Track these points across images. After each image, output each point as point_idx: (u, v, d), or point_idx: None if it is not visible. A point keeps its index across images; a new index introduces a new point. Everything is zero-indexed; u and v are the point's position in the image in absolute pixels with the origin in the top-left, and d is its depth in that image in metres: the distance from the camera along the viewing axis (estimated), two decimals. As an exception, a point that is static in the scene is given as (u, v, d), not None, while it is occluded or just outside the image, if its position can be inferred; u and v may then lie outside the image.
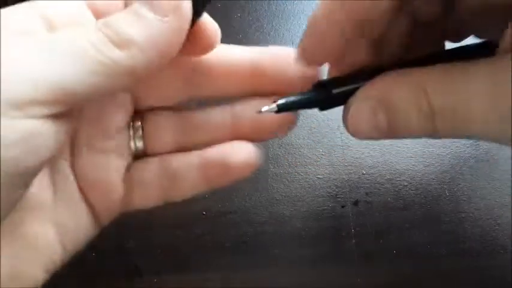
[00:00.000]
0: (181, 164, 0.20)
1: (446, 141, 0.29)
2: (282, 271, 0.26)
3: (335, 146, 0.29)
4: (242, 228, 0.27)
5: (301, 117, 0.29)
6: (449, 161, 0.29)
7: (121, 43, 0.15)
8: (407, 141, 0.29)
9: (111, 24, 0.16)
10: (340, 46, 0.18)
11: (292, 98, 0.18)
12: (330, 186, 0.28)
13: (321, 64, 0.19)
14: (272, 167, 0.28)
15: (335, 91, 0.18)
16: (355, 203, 0.28)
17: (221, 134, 0.20)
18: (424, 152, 0.29)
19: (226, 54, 0.19)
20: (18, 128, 0.14)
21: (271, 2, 0.33)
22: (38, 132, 0.15)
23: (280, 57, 0.19)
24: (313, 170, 0.28)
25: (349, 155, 0.29)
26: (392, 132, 0.17)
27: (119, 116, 0.20)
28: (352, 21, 0.17)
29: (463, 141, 0.29)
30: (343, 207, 0.27)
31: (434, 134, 0.16)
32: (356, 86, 0.18)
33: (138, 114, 0.20)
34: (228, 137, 0.20)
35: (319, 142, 0.29)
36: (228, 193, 0.27)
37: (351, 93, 0.18)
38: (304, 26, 0.32)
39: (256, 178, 0.28)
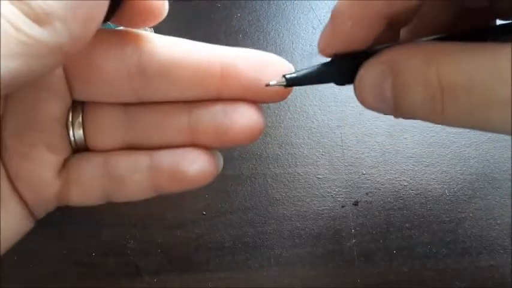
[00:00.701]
0: (127, 165, 0.18)
1: (446, 141, 0.29)
2: (282, 271, 0.26)
3: (335, 146, 0.29)
4: (242, 228, 0.27)
5: (301, 117, 0.29)
6: (449, 161, 0.29)
7: (41, 18, 0.13)
8: (408, 141, 0.29)
9: None
10: (367, 39, 0.16)
11: (302, 71, 0.18)
12: (329, 186, 0.28)
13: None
14: (272, 167, 0.28)
15: (347, 64, 0.17)
16: (355, 203, 0.28)
17: (177, 137, 0.18)
18: (424, 152, 0.29)
19: (191, 53, 0.17)
20: None
21: (271, 2, 0.33)
22: None
23: (257, 61, 0.17)
24: (313, 170, 0.28)
25: (349, 155, 0.29)
26: (397, 105, 0.16)
27: (52, 106, 0.18)
28: (382, 17, 0.16)
29: (463, 141, 0.29)
30: (343, 207, 0.27)
31: (439, 117, 0.15)
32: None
33: (79, 106, 0.18)
34: (184, 140, 0.18)
35: (319, 142, 0.29)
36: (228, 193, 0.27)
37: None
38: (304, 26, 0.32)
39: (256, 178, 0.28)
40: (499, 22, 0.19)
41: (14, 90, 0.14)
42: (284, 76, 0.17)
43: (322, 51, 0.18)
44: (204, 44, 0.18)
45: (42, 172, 0.18)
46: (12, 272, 0.25)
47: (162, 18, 0.17)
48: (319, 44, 0.18)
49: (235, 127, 0.18)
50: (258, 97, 0.18)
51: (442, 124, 0.16)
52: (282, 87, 0.17)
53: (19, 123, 0.17)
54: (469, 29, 0.18)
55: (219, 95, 0.18)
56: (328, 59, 0.18)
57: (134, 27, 0.17)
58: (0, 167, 0.17)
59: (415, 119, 0.17)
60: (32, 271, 0.25)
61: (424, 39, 0.17)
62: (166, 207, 0.27)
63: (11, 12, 0.13)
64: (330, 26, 0.17)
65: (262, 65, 0.17)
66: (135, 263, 0.25)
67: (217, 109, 0.18)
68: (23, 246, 0.25)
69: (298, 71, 0.17)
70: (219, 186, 0.27)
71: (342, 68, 0.18)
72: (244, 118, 0.18)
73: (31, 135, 0.18)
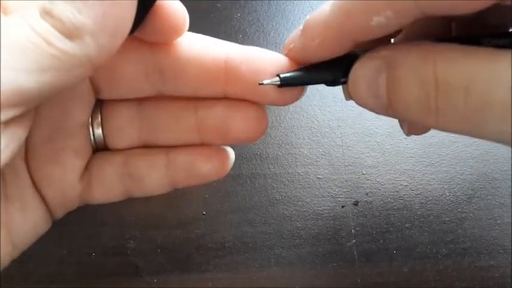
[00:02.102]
0: (146, 164, 0.19)
1: (446, 141, 0.29)
2: (282, 271, 0.26)
3: (335, 146, 0.29)
4: (242, 228, 0.27)
5: (301, 117, 0.29)
6: (449, 161, 0.29)
7: (72, 33, 0.14)
8: (408, 141, 0.29)
9: (54, 12, 0.14)
10: (333, 55, 0.16)
11: (296, 72, 0.17)
12: (329, 186, 0.28)
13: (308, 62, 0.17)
14: (272, 167, 0.28)
15: (341, 66, 0.17)
16: (355, 203, 0.28)
17: (187, 135, 0.19)
18: (424, 152, 0.29)
19: (201, 50, 0.18)
20: None
21: (271, 2, 0.33)
22: None
23: (257, 60, 0.17)
24: (313, 170, 0.28)
25: (349, 155, 0.29)
26: (390, 102, 0.15)
27: (80, 111, 0.18)
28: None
29: (463, 141, 0.29)
30: (343, 207, 0.27)
31: (432, 117, 0.14)
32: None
33: (97, 107, 0.19)
34: (194, 138, 0.19)
35: (319, 142, 0.29)
36: (228, 193, 0.27)
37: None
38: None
39: (256, 178, 0.28)
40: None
41: (44, 101, 0.15)
42: (278, 75, 0.17)
43: (285, 54, 0.18)
44: (211, 41, 0.18)
45: (69, 176, 0.18)
46: (12, 272, 0.25)
47: (183, 34, 0.18)
48: (284, 46, 0.18)
49: (236, 126, 0.18)
50: (261, 98, 0.18)
51: (434, 127, 0.15)
52: (276, 87, 0.17)
53: (50, 130, 0.18)
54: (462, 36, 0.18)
55: (225, 94, 0.18)
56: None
57: (156, 41, 0.18)
58: (24, 169, 0.18)
59: (407, 119, 0.16)
60: (32, 271, 0.25)
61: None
62: (166, 207, 0.27)
63: (43, 27, 0.13)
64: (300, 35, 0.17)
65: (264, 67, 0.17)
66: (135, 263, 0.25)
67: (220, 108, 0.18)
68: (23, 246, 0.25)
69: (293, 71, 0.17)
70: (219, 186, 0.27)
71: (335, 69, 0.18)
72: (245, 118, 0.18)
73: (61, 141, 0.18)
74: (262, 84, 0.17)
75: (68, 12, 0.14)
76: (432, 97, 0.14)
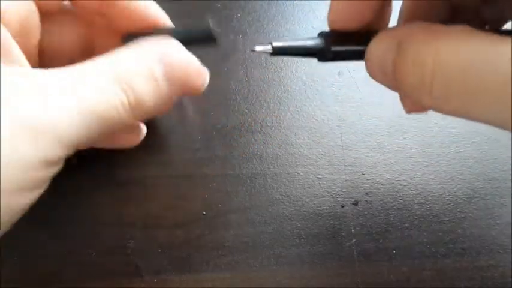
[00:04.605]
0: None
1: (446, 141, 0.29)
2: (282, 271, 0.26)
3: (335, 146, 0.29)
4: (242, 228, 0.27)
5: (301, 117, 0.29)
6: (449, 161, 0.29)
7: (136, 108, 0.17)
8: (408, 141, 0.29)
9: (133, 86, 0.17)
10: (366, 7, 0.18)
11: (288, 42, 0.18)
12: (329, 186, 0.28)
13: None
14: (272, 167, 0.28)
15: (333, 45, 0.18)
16: (355, 203, 0.28)
17: None
18: (424, 152, 0.29)
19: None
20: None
21: (271, 2, 0.33)
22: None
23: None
24: (313, 170, 0.28)
25: (349, 155, 0.29)
26: (397, 82, 0.16)
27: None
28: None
29: (463, 141, 0.29)
30: (343, 207, 0.27)
31: (431, 99, 0.15)
32: (356, 45, 0.18)
33: None
34: None
35: (319, 142, 0.29)
36: (228, 193, 0.27)
37: (349, 48, 0.18)
38: (304, 26, 0.32)
39: (256, 178, 0.28)
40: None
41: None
42: (271, 43, 0.18)
43: (330, 24, 0.19)
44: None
45: None
46: (12, 272, 0.25)
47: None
48: (328, 19, 0.19)
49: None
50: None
51: (431, 107, 0.16)
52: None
53: None
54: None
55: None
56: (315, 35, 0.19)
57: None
58: None
59: (410, 97, 0.17)
60: (32, 271, 0.25)
61: None
62: (166, 207, 0.27)
63: (120, 101, 0.17)
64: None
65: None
66: (135, 263, 0.26)
67: None
68: (23, 246, 0.25)
69: (285, 41, 0.18)
70: (219, 186, 0.27)
71: (328, 44, 0.18)
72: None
73: None
74: (254, 51, 0.18)
75: (141, 88, 0.17)
76: (429, 76, 0.14)
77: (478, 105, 0.14)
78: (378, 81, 0.18)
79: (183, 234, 0.26)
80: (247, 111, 0.29)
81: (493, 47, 0.13)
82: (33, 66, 0.20)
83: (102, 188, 0.27)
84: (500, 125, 0.14)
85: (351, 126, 0.29)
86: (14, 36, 0.17)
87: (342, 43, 0.18)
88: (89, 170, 0.27)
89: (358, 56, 0.18)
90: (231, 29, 0.32)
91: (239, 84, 0.30)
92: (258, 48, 0.18)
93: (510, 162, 0.29)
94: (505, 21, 0.19)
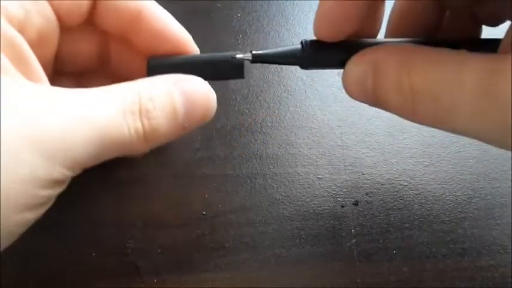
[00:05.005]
0: None
1: (446, 141, 0.29)
2: (282, 271, 0.26)
3: (335, 146, 0.29)
4: (242, 228, 0.27)
5: (301, 117, 0.29)
6: (449, 161, 0.29)
7: (150, 138, 0.17)
8: (408, 141, 0.29)
9: (150, 117, 0.17)
10: (351, 13, 0.18)
11: (268, 50, 0.19)
12: (329, 186, 0.28)
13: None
14: (272, 167, 0.28)
15: (311, 51, 0.19)
16: (355, 203, 0.28)
17: None
18: (424, 152, 0.29)
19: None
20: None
21: (271, 2, 0.33)
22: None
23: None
24: (313, 170, 0.28)
25: (349, 155, 0.29)
26: (377, 101, 0.17)
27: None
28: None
29: (463, 141, 0.29)
30: (343, 207, 0.27)
31: (414, 117, 0.16)
32: (338, 53, 0.18)
33: None
34: None
35: (319, 142, 0.29)
36: (228, 193, 0.27)
37: (329, 58, 0.18)
38: (304, 26, 0.32)
39: (256, 178, 0.28)
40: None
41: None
42: (251, 52, 0.18)
43: (316, 34, 0.19)
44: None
45: None
46: (12, 272, 0.25)
47: None
48: (314, 29, 0.19)
49: None
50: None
51: (413, 122, 0.17)
52: None
53: None
54: (453, 34, 0.19)
55: None
56: (298, 43, 0.19)
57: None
58: None
59: (396, 114, 0.18)
60: (32, 271, 0.25)
61: (405, 39, 0.18)
62: (166, 207, 0.27)
63: (135, 130, 0.17)
64: (319, 3, 0.18)
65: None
66: (135, 263, 0.25)
67: None
68: (23, 246, 0.25)
69: (266, 50, 0.19)
70: (219, 186, 0.27)
71: (308, 52, 0.19)
72: None
73: None
74: (234, 58, 0.18)
75: (160, 120, 0.17)
76: (409, 100, 0.16)
77: (454, 122, 0.15)
78: (357, 100, 0.19)
79: (183, 234, 0.26)
80: (247, 111, 0.29)
81: (458, 67, 0.14)
82: (48, 74, 0.20)
83: (102, 188, 0.27)
84: (480, 139, 0.15)
85: (351, 126, 0.29)
86: (32, 46, 0.17)
87: (321, 53, 0.19)
88: (89, 170, 0.27)
89: (339, 65, 0.19)
90: (231, 29, 0.32)
91: (239, 84, 0.30)
92: (239, 55, 0.19)
93: (510, 162, 0.29)
94: (502, 20, 0.19)
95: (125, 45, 0.22)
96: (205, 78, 0.19)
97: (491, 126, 0.14)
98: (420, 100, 0.15)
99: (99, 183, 0.27)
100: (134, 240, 0.26)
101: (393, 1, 0.22)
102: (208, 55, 0.20)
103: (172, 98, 0.18)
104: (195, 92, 0.18)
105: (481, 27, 0.21)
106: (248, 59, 0.19)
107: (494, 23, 0.20)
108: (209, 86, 0.20)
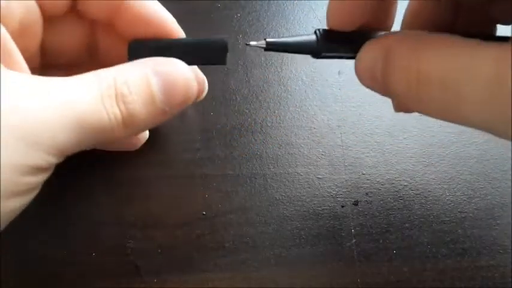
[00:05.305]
0: None
1: (446, 141, 0.29)
2: (282, 271, 0.26)
3: (335, 146, 0.29)
4: (242, 228, 0.27)
5: (301, 117, 0.29)
6: (449, 161, 0.29)
7: (129, 124, 0.17)
8: (408, 141, 0.29)
9: (127, 101, 0.17)
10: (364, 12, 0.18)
11: (282, 39, 0.19)
12: (329, 186, 0.28)
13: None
14: (272, 167, 0.28)
15: (326, 43, 0.19)
16: (355, 203, 0.28)
17: None
18: (424, 152, 0.29)
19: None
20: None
21: (271, 2, 0.33)
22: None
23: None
24: (313, 170, 0.28)
25: (349, 155, 0.29)
26: (386, 88, 0.17)
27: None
28: None
29: (463, 141, 0.29)
30: (343, 207, 0.27)
31: (419, 105, 0.16)
32: (352, 41, 0.18)
33: None
34: None
35: (319, 142, 0.29)
36: (228, 193, 0.27)
37: (342, 47, 0.19)
38: (304, 26, 0.32)
39: (256, 178, 0.28)
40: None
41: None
42: (265, 39, 0.18)
43: (329, 23, 0.19)
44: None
45: None
46: (12, 272, 0.25)
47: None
48: (327, 18, 0.19)
49: None
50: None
51: (419, 112, 0.17)
52: None
53: None
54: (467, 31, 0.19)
55: None
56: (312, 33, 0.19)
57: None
58: None
59: (402, 104, 0.17)
60: (32, 271, 0.25)
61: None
62: (166, 207, 0.27)
63: (114, 115, 0.17)
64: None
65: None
66: (135, 263, 0.25)
67: None
68: (23, 246, 0.25)
69: (279, 37, 0.19)
70: (219, 186, 0.27)
71: (323, 41, 0.19)
72: None
73: None
74: (248, 45, 0.19)
75: (137, 105, 0.17)
76: (414, 86, 0.15)
77: (461, 110, 0.14)
78: (368, 87, 0.19)
79: (183, 234, 0.26)
80: (247, 111, 0.29)
81: (471, 54, 0.14)
82: (34, 66, 0.20)
83: (102, 188, 0.27)
84: (486, 129, 0.15)
85: (351, 126, 0.29)
86: (14, 37, 0.17)
87: (335, 42, 0.19)
88: (89, 170, 0.27)
89: (352, 55, 0.19)
90: (231, 29, 0.32)
91: (239, 84, 0.30)
92: (253, 43, 0.18)
93: (510, 162, 0.29)
94: (509, 20, 0.19)
95: (112, 35, 0.22)
96: (187, 63, 0.19)
97: (502, 115, 0.13)
98: (427, 86, 0.15)
99: (99, 183, 0.27)
100: (134, 240, 0.26)
101: (407, 0, 0.22)
102: (191, 39, 0.20)
103: (149, 82, 0.17)
104: (174, 74, 0.18)
105: (495, 26, 0.20)
106: (262, 47, 0.19)
107: (509, 21, 0.19)
108: (188, 68, 0.19)
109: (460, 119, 0.15)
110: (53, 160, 0.16)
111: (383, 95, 0.18)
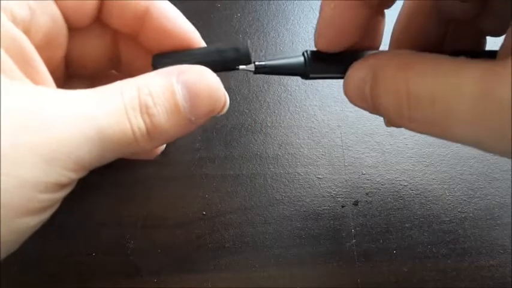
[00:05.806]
0: None
1: (446, 141, 0.29)
2: (282, 271, 0.26)
3: (335, 146, 0.29)
4: (242, 228, 0.27)
5: (301, 117, 0.29)
6: (449, 161, 0.29)
7: (154, 136, 0.16)
8: (408, 141, 0.29)
9: (152, 113, 0.16)
10: (351, 23, 0.18)
11: (271, 61, 0.19)
12: (330, 186, 0.28)
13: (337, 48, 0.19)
14: (272, 167, 0.28)
15: (314, 66, 0.19)
16: (355, 203, 0.28)
17: None
18: (424, 152, 0.29)
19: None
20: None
21: (271, 2, 0.33)
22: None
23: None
24: (313, 170, 0.28)
25: (349, 155, 0.29)
26: (375, 108, 0.17)
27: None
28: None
29: (463, 141, 0.29)
30: (343, 207, 0.27)
31: (410, 124, 0.16)
32: (340, 63, 0.18)
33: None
34: None
35: (319, 142, 0.29)
36: (228, 193, 0.27)
37: (330, 68, 0.19)
38: (304, 26, 0.32)
39: (256, 178, 0.28)
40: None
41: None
42: (254, 63, 0.18)
43: (317, 45, 0.19)
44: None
45: None
46: (12, 272, 0.25)
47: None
48: (314, 40, 0.19)
49: None
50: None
51: (413, 131, 0.17)
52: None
53: None
54: (456, 47, 0.19)
55: None
56: (300, 54, 0.19)
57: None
58: None
59: (392, 122, 0.18)
60: (32, 271, 0.25)
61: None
62: (166, 207, 0.27)
63: (140, 125, 0.17)
64: (319, 15, 0.18)
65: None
66: (135, 263, 0.25)
67: None
68: (23, 247, 0.25)
69: (268, 60, 0.19)
70: (219, 186, 0.27)
71: (311, 63, 0.19)
72: None
73: None
74: (237, 69, 0.18)
75: (163, 119, 0.17)
76: (405, 107, 0.15)
77: (451, 127, 0.15)
78: (357, 106, 0.19)
79: (183, 234, 0.26)
80: (247, 111, 0.29)
81: (457, 73, 0.14)
82: (58, 77, 0.20)
83: (102, 188, 0.27)
84: (475, 145, 0.15)
85: (351, 126, 0.29)
86: (38, 48, 0.17)
87: (323, 64, 0.19)
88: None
89: (340, 75, 0.19)
90: (231, 29, 0.32)
91: (239, 84, 0.30)
92: (242, 67, 0.19)
93: (510, 162, 0.29)
94: (506, 30, 0.19)
95: (136, 46, 0.21)
96: (212, 70, 0.19)
97: (490, 131, 0.14)
98: (416, 105, 0.15)
99: (100, 184, 0.27)
100: (134, 240, 0.26)
101: (395, 16, 0.22)
102: (213, 46, 0.20)
103: (173, 92, 0.17)
104: (198, 82, 0.17)
105: (485, 38, 0.21)
106: (251, 70, 0.19)
107: (498, 33, 0.20)
108: (214, 75, 0.19)
109: (450, 136, 0.15)
110: (73, 175, 0.15)
111: (372, 113, 0.18)
